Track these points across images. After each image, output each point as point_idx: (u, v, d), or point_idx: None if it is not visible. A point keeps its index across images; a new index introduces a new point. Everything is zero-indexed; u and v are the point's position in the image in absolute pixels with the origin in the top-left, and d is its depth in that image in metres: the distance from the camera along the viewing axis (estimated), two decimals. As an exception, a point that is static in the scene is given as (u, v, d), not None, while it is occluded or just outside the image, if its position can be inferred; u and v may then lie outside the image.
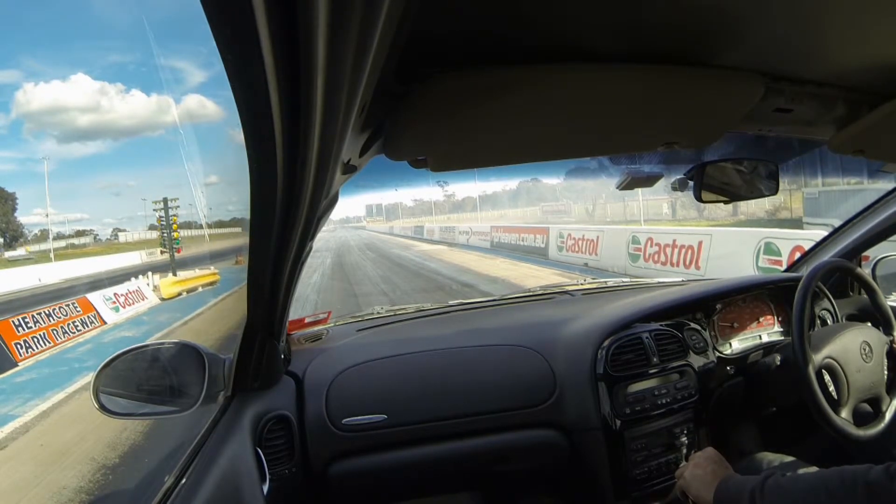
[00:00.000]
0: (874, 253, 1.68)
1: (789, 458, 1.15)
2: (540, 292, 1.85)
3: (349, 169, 0.70)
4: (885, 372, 1.22)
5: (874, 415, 1.20)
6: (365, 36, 0.37)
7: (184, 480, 0.79)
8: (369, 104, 0.56)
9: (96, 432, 4.44)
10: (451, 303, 1.75)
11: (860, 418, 1.18)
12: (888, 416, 1.19)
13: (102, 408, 0.95)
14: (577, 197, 25.15)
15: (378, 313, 1.65)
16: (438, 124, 0.71)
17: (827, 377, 1.19)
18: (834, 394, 1.18)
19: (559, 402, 1.26)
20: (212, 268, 17.96)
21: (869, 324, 1.36)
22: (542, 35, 0.63)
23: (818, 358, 1.17)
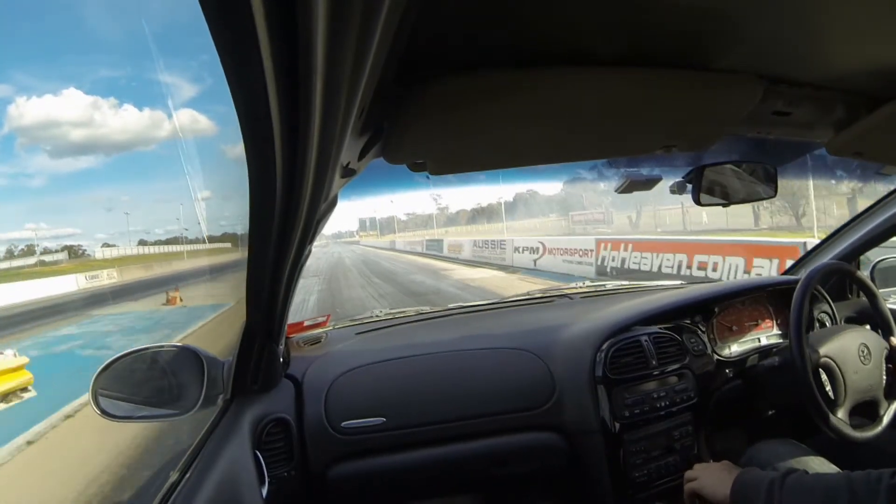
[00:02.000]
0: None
1: (791, 445, 1.14)
2: (539, 296, 1.85)
3: (348, 172, 0.70)
4: (884, 376, 1.22)
5: (871, 418, 1.20)
6: (364, 38, 0.37)
7: (182, 483, 0.78)
8: (368, 107, 0.57)
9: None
10: (450, 306, 1.75)
11: (857, 421, 1.18)
12: (885, 420, 1.19)
13: (101, 410, 0.95)
14: (621, 203, 19.91)
15: (377, 316, 1.65)
16: (437, 127, 0.72)
17: (824, 376, 1.19)
18: (830, 393, 1.18)
19: (558, 405, 1.26)
20: (15, 353, 6.33)
21: (868, 326, 1.36)
22: (541, 38, 0.63)
23: (815, 356, 1.17)
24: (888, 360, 1.24)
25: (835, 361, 1.18)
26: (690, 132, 0.89)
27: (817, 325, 1.50)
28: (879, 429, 1.18)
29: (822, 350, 1.19)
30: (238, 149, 0.47)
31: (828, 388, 1.18)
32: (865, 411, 1.21)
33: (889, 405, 1.21)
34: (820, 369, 1.18)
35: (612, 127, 0.83)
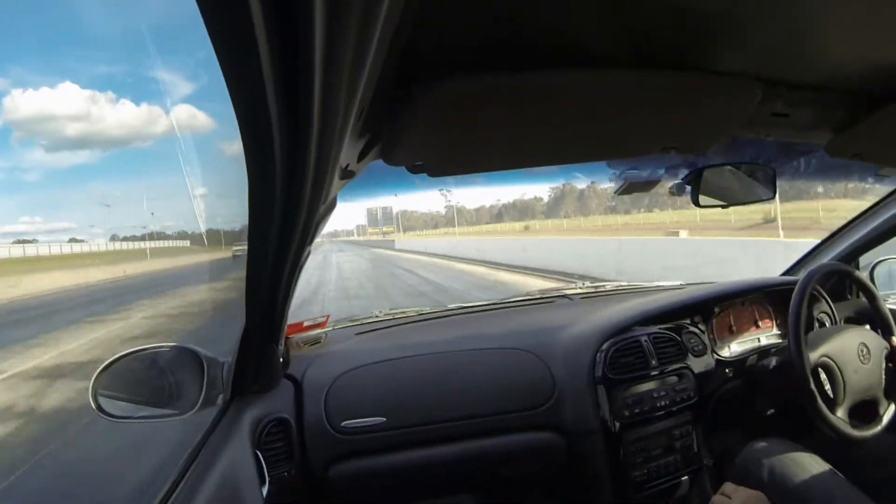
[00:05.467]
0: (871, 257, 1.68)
1: (786, 445, 1.15)
2: (539, 296, 1.86)
3: (347, 174, 0.71)
4: (884, 376, 1.23)
5: (871, 417, 1.21)
6: (363, 40, 0.37)
7: (182, 483, 0.78)
8: (367, 108, 0.57)
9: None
10: (450, 306, 1.75)
11: (857, 421, 1.18)
12: (885, 419, 1.20)
13: (101, 410, 0.95)
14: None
15: (377, 317, 1.65)
16: (436, 129, 0.72)
17: (823, 376, 1.19)
18: (830, 392, 1.18)
19: (558, 404, 1.26)
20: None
21: (867, 326, 1.36)
22: (541, 40, 0.63)
23: (814, 356, 1.18)
24: (888, 359, 1.24)
25: (834, 361, 1.18)
26: (689, 134, 0.89)
27: (817, 325, 1.50)
28: (879, 428, 1.18)
29: (822, 350, 1.19)
30: (237, 150, 0.47)
31: (827, 387, 1.19)
32: (865, 411, 1.21)
33: (888, 404, 1.22)
34: (819, 369, 1.18)
35: (612, 128, 0.83)
